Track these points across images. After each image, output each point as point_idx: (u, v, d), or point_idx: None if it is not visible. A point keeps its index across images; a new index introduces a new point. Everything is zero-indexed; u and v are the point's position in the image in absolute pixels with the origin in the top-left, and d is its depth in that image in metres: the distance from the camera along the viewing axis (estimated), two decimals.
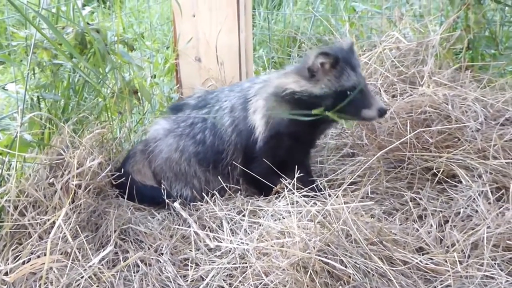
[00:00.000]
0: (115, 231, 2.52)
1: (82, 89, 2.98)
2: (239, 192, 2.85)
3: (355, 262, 2.12)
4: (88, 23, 2.87)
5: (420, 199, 2.63)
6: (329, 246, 2.12)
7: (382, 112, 2.57)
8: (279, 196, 2.57)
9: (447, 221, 2.48)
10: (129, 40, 3.15)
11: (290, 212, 2.33)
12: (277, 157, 2.76)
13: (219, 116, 2.86)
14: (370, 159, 2.73)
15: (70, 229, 2.34)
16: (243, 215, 2.56)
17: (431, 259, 2.22)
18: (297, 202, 2.36)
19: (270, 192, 2.75)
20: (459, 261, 2.17)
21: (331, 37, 3.75)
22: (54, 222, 2.33)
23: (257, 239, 2.31)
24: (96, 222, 2.59)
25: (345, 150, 3.21)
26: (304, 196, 2.40)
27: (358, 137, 3.02)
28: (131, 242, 2.54)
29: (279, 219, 2.39)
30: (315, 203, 2.31)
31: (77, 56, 2.54)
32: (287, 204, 2.41)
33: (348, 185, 2.49)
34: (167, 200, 2.75)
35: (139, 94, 3.23)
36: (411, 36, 3.40)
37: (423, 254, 2.26)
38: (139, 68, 3.24)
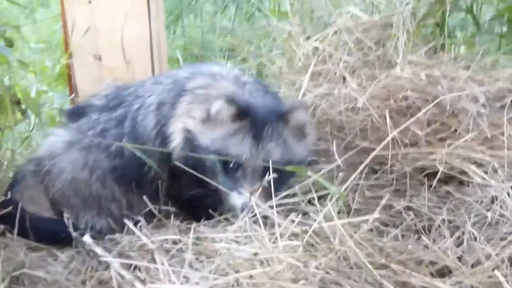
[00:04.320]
0: (3, 280, 2.01)
1: None
2: (172, 216, 2.34)
3: None
4: None
5: (417, 208, 2.25)
6: (328, 273, 1.63)
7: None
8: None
9: (463, 232, 2.09)
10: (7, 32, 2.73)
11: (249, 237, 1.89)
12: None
13: (143, 115, 2.42)
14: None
15: None
16: (184, 244, 2.07)
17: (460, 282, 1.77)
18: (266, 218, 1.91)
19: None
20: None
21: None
22: None
23: (213, 273, 1.81)
24: None
25: None
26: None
27: (321, 139, 2.59)
28: None
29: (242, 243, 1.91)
30: (292, 221, 1.86)
31: None
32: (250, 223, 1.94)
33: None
34: (73, 234, 2.23)
35: (22, 105, 2.83)
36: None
37: (444, 276, 1.83)
38: (23, 66, 2.79)
